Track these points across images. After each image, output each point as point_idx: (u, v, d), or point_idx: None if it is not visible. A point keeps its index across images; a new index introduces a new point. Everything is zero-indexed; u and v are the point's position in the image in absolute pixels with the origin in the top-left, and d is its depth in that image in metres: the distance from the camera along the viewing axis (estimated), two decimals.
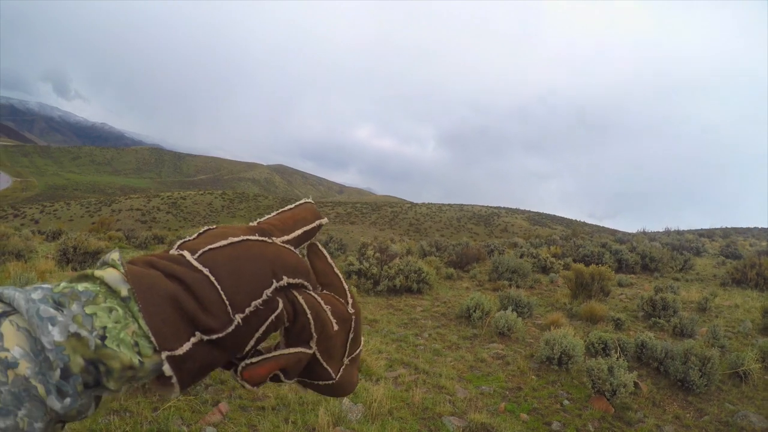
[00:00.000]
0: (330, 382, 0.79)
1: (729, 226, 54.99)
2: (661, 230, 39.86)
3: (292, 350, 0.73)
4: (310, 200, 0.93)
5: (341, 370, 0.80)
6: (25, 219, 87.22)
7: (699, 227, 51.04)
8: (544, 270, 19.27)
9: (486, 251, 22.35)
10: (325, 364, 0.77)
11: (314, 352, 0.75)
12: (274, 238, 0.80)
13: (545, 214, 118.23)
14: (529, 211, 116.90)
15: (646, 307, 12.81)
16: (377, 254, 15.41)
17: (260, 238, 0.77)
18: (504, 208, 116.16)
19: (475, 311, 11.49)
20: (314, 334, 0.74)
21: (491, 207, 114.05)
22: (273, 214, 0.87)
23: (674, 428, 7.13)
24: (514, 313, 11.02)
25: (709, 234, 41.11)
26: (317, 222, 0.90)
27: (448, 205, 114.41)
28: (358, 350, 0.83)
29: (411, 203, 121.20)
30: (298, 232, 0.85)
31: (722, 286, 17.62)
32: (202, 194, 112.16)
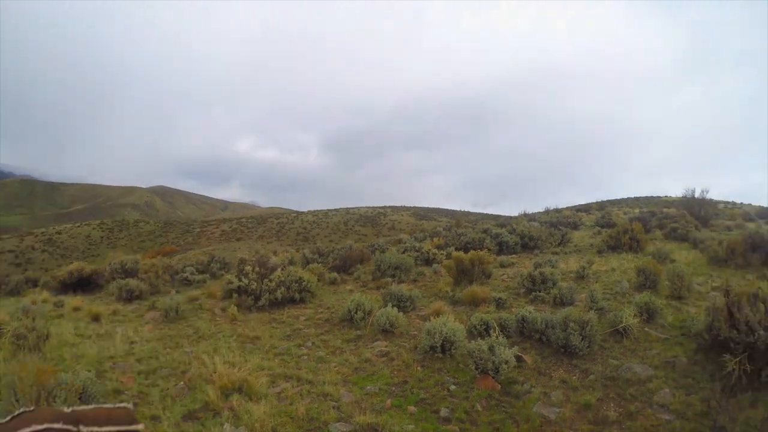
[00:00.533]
0: None
1: (605, 200, 57.91)
2: (541, 210, 41.33)
3: None
4: (130, 406, 0.69)
5: None
6: None
7: (577, 203, 53.42)
8: (428, 262, 19.32)
9: (370, 251, 22.22)
10: None
11: None
12: (82, 428, 0.51)
13: (431, 208, 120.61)
14: (415, 207, 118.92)
15: (526, 283, 13.01)
16: (257, 269, 14.89)
17: (65, 427, 0.48)
18: (390, 206, 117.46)
19: (356, 312, 11.23)
20: None
21: (377, 207, 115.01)
22: (91, 406, 0.60)
23: (562, 392, 7.16)
24: (396, 308, 10.82)
25: (586, 209, 43.07)
26: (132, 427, 0.63)
27: (335, 210, 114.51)
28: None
29: (297, 212, 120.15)
30: (109, 428, 0.59)
31: (599, 254, 18.32)
32: (78, 226, 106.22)
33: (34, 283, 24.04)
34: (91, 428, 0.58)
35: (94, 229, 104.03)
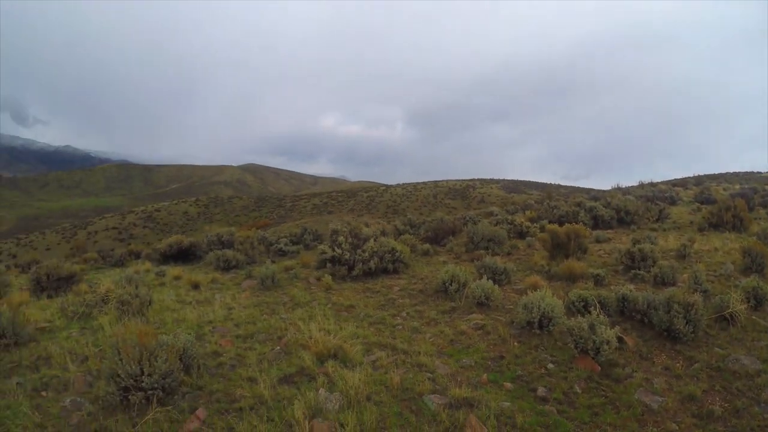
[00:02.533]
0: None
1: (702, 174, 55.52)
2: (635, 184, 39.98)
3: None
4: None
5: None
6: (1, 255, 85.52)
7: (672, 178, 51.39)
8: (521, 235, 19.08)
9: (461, 223, 22.12)
10: None
11: None
12: None
13: (520, 180, 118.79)
14: (504, 180, 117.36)
15: (624, 260, 12.65)
16: (350, 239, 15.09)
17: None
18: (479, 179, 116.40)
19: (451, 284, 11.21)
20: None
21: (466, 180, 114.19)
22: None
23: (665, 379, 6.90)
24: (491, 281, 10.76)
25: (682, 183, 41.33)
26: None
27: (423, 183, 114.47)
28: None
29: (386, 186, 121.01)
30: None
31: (700, 232, 17.58)
32: (176, 203, 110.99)
33: (137, 255, 25.42)
34: None
35: (190, 205, 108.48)
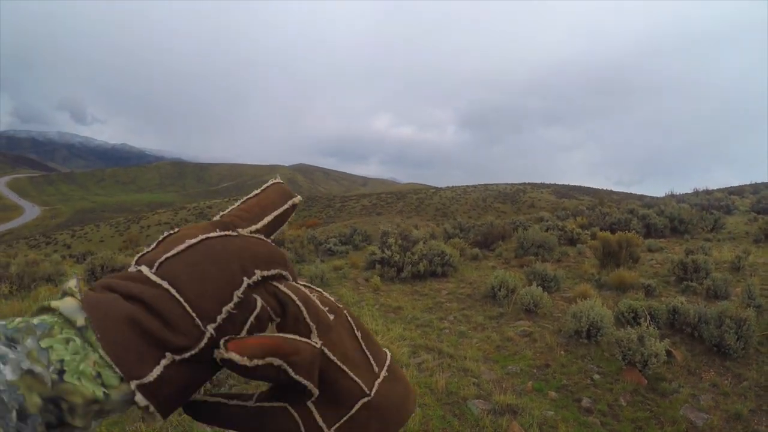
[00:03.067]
0: (365, 399, 0.62)
1: (759, 182, 53.85)
2: (689, 191, 39.10)
3: (287, 335, 0.57)
4: (278, 180, 0.74)
5: (376, 384, 0.64)
6: (57, 245, 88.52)
7: (729, 185, 49.91)
8: (571, 242, 18.92)
9: (511, 228, 22.04)
10: (349, 372, 0.61)
11: (323, 351, 0.60)
12: (239, 230, 0.65)
13: (571, 186, 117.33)
14: (555, 185, 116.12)
15: (677, 270, 12.46)
16: (399, 241, 15.24)
17: (222, 233, 0.62)
18: (529, 183, 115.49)
19: (500, 290, 11.26)
20: (311, 323, 0.60)
21: (516, 184, 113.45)
22: (238, 203, 0.71)
23: (711, 396, 6.83)
24: (540, 288, 10.76)
25: (738, 191, 40.10)
26: (290, 202, 0.72)
27: (473, 186, 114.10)
28: (388, 358, 0.68)
29: (435, 188, 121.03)
30: (268, 218, 0.68)
31: (755, 243, 17.14)
32: (227, 201, 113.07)
33: None
34: (249, 228, 0.58)
35: None
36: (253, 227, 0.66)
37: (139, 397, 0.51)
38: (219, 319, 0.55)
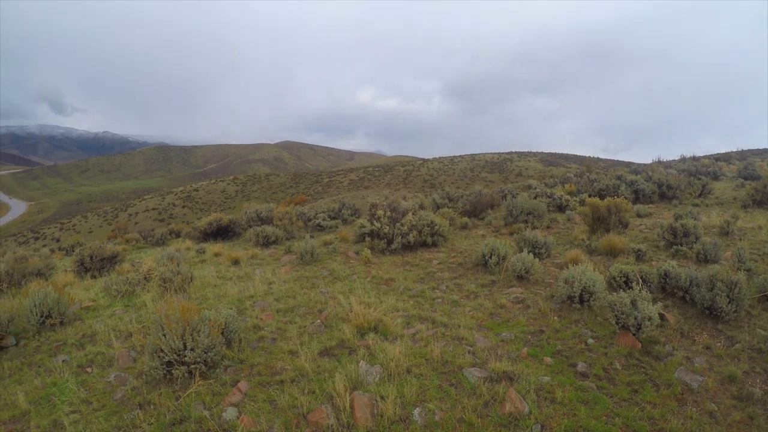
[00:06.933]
0: None
1: (746, 149, 54.01)
2: (676, 158, 39.22)
3: None
4: None
5: None
6: (45, 239, 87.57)
7: (715, 152, 50.06)
8: (560, 208, 18.96)
9: (500, 197, 22.02)
10: None
11: None
12: None
13: (558, 153, 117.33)
14: (542, 153, 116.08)
15: (666, 235, 12.50)
16: (388, 213, 15.16)
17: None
18: (516, 152, 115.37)
19: (491, 257, 11.25)
20: None
21: (503, 153, 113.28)
22: None
23: (705, 359, 6.86)
24: (531, 254, 10.74)
25: (725, 158, 40.23)
26: None
27: (460, 156, 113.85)
28: None
29: (422, 160, 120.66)
30: None
31: (743, 209, 17.23)
32: (214, 183, 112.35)
33: (177, 234, 25.98)
34: None
35: (228, 184, 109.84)
36: None
37: None
38: None
